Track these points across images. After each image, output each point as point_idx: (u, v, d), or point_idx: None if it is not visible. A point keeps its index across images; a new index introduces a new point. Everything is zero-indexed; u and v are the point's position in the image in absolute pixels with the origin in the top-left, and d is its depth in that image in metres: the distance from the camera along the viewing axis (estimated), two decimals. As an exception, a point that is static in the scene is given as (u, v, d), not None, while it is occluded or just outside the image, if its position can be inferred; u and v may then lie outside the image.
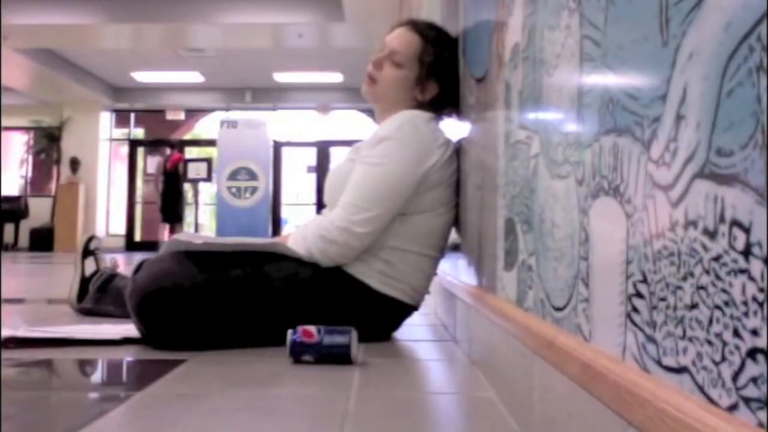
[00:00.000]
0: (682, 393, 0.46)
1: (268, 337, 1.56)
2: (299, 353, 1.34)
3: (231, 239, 1.71)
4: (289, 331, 1.35)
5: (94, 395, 1.18)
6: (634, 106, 0.55)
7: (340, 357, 1.33)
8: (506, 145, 1.09)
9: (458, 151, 1.69)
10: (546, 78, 0.84)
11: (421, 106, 1.76)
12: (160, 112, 11.82)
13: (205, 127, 12.74)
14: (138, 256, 6.13)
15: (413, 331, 1.84)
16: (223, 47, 9.03)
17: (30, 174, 12.43)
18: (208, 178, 10.28)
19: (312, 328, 1.35)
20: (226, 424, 0.91)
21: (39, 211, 11.21)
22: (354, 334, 1.35)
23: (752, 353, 0.38)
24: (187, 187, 10.21)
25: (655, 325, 0.51)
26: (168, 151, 10.06)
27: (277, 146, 11.17)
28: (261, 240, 1.72)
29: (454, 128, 1.74)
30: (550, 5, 0.83)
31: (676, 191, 0.48)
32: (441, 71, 1.75)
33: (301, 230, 1.68)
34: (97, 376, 1.37)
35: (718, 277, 0.42)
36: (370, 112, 10.80)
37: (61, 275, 4.27)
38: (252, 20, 7.76)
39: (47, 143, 11.52)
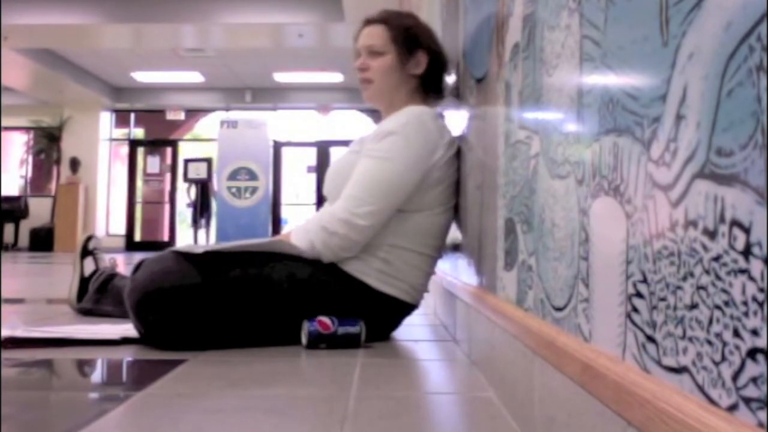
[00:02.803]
0: (682, 393, 0.46)
1: (267, 337, 1.56)
2: (316, 342, 1.51)
3: (231, 244, 1.69)
4: (306, 322, 1.51)
5: (94, 395, 1.18)
6: (634, 106, 0.55)
7: (351, 343, 1.53)
8: (506, 145, 1.09)
9: (458, 150, 1.69)
10: (546, 78, 0.84)
11: (423, 82, 1.80)
12: (160, 112, 11.80)
13: (205, 127, 12.72)
14: (138, 256, 6.12)
15: (413, 331, 1.84)
16: (223, 47, 9.02)
17: (30, 174, 12.41)
18: (208, 178, 10.28)
19: (327, 320, 1.52)
20: (226, 424, 0.91)
21: (39, 211, 11.20)
22: (363, 325, 1.54)
23: (752, 353, 0.38)
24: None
25: (655, 325, 0.51)
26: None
27: (277, 146, 11.16)
28: (261, 240, 1.72)
29: (454, 128, 1.74)
30: (550, 5, 0.83)
31: (676, 191, 0.48)
32: (417, 39, 1.80)
33: (303, 225, 1.69)
34: (96, 376, 1.37)
35: (718, 277, 0.42)
36: (370, 112, 10.82)
37: (61, 275, 4.26)
38: (252, 20, 7.75)
39: (47, 143, 11.50)
